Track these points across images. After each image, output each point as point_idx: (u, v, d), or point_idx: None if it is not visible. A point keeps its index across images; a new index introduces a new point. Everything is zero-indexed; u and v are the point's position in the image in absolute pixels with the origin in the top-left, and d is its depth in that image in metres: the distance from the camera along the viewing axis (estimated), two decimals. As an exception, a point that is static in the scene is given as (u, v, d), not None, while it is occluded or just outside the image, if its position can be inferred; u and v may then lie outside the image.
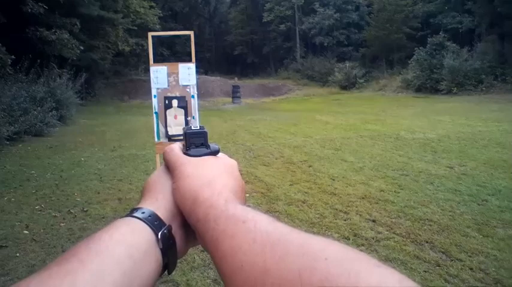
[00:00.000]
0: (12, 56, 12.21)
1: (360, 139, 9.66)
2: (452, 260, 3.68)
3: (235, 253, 0.41)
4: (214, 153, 0.59)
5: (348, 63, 29.79)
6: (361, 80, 28.20)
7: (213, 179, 0.52)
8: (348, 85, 28.01)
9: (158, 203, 0.52)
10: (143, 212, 0.50)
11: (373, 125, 11.67)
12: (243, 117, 15.32)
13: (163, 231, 0.48)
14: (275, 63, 40.09)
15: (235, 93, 22.81)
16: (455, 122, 11.89)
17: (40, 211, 5.31)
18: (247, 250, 0.40)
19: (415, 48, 25.19)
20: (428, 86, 23.10)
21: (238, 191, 0.53)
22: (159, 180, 0.56)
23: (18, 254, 4.04)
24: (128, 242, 0.45)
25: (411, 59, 25.10)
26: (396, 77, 26.56)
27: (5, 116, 9.59)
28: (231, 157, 0.60)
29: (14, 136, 9.92)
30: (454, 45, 23.35)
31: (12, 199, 5.79)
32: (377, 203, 5.24)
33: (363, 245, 4.05)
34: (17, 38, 14.35)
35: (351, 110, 16.15)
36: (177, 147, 0.59)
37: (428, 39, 24.65)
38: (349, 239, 4.20)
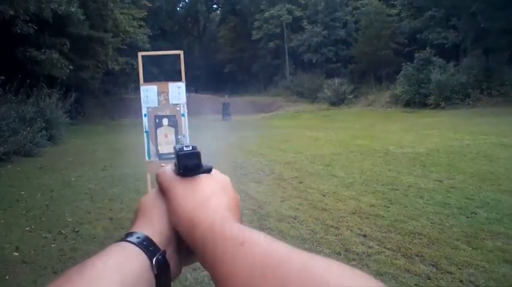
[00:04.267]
0: (2, 77, 12.18)
1: (349, 154, 9.74)
2: (442, 273, 3.72)
3: (236, 277, 0.40)
4: (207, 171, 0.57)
5: (336, 80, 30.08)
6: (350, 96, 28.46)
7: (207, 199, 0.52)
8: (337, 101, 28.24)
9: (153, 227, 0.52)
10: (138, 237, 0.49)
11: (363, 140, 11.77)
12: (233, 134, 15.37)
13: (157, 257, 0.48)
14: (265, 80, 40.37)
15: (225, 111, 22.90)
16: (444, 135, 12.04)
17: (30, 232, 5.27)
18: (247, 275, 0.39)
19: (403, 64, 25.55)
20: (417, 100, 23.38)
21: (234, 208, 0.53)
22: (154, 202, 0.56)
23: (7, 277, 4.01)
24: (121, 269, 0.44)
25: (399, 75, 25.43)
26: (385, 92, 26.87)
27: (-7, 137, 9.57)
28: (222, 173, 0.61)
29: (3, 157, 9.87)
30: (440, 60, 23.72)
31: (2, 221, 5.75)
32: (367, 218, 5.28)
33: (354, 260, 4.08)
34: (6, 58, 14.37)
35: (341, 125, 16.30)
36: (169, 169, 0.58)
37: (415, 54, 25.03)
38: (341, 254, 4.23)
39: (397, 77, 25.52)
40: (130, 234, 0.50)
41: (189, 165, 0.56)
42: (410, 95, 23.84)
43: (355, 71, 32.54)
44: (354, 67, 32.87)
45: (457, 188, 6.38)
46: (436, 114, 19.08)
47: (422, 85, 23.28)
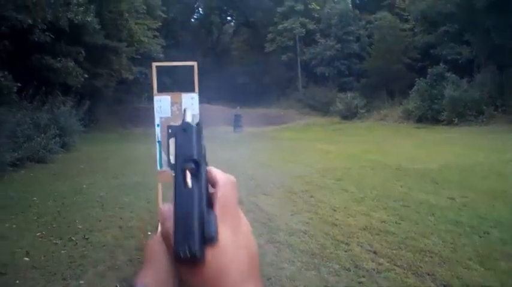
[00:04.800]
0: (18, 84, 12.37)
1: (361, 169, 9.69)
2: (454, 293, 3.67)
3: None
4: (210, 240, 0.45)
5: (349, 94, 30.06)
6: (362, 110, 28.38)
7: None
8: (349, 115, 28.18)
9: (157, 276, 0.51)
10: None
11: (374, 155, 11.71)
12: (244, 146, 15.39)
13: None
14: (277, 92, 40.43)
15: (237, 122, 22.98)
16: (456, 152, 11.93)
17: (41, 237, 5.31)
18: None
19: (416, 79, 25.45)
20: (429, 116, 23.23)
21: (253, 269, 0.48)
22: (158, 248, 0.53)
23: (17, 282, 4.03)
24: None
25: (412, 90, 25.31)
26: (397, 107, 26.74)
27: (8, 143, 9.66)
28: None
29: (17, 162, 9.98)
30: (454, 75, 23.57)
31: (14, 226, 5.80)
32: (378, 234, 5.23)
33: (363, 276, 4.04)
34: (22, 65, 14.59)
35: (352, 139, 16.25)
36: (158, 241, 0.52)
37: (429, 69, 24.92)
38: (350, 270, 4.19)
39: (410, 92, 25.40)
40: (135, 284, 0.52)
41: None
42: (422, 111, 23.70)
43: (367, 85, 32.47)
44: (366, 81, 32.81)
45: (470, 206, 6.30)
46: (448, 131, 18.95)
47: (435, 101, 23.15)
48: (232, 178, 0.51)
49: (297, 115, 29.97)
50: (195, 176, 0.47)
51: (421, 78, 25.05)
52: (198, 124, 0.52)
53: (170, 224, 0.46)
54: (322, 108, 30.88)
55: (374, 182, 8.22)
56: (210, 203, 0.48)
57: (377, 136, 17.46)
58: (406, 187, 7.70)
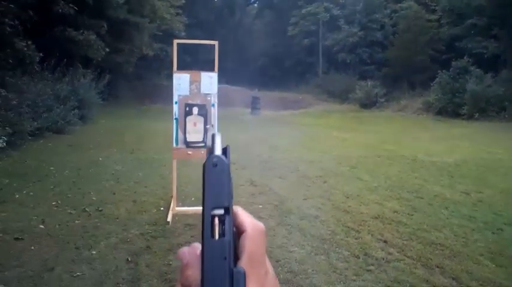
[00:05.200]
0: (40, 54, 12.49)
1: (376, 158, 9.62)
2: (462, 287, 3.65)
3: None
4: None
5: (369, 82, 29.66)
6: (382, 100, 28.02)
7: None
8: (368, 104, 27.86)
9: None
10: None
11: (391, 146, 11.61)
12: (261, 128, 15.38)
13: None
14: (296, 77, 40.14)
15: (254, 105, 22.88)
16: (475, 147, 11.75)
17: (56, 207, 5.42)
18: None
19: (438, 71, 24.98)
20: (450, 109, 22.85)
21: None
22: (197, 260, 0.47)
23: (33, 248, 4.13)
24: None
25: (434, 82, 24.87)
26: (417, 99, 26.33)
27: (29, 112, 9.80)
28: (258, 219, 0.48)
29: (37, 132, 10.13)
30: (478, 70, 23.07)
31: (31, 193, 5.92)
32: (390, 224, 5.21)
33: (372, 265, 4.04)
34: (45, 36, 14.68)
35: (370, 128, 16.10)
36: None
37: (452, 62, 24.42)
38: (359, 258, 4.19)
39: (432, 84, 24.96)
40: None
41: None
42: (443, 104, 23.30)
43: (388, 75, 31.97)
44: (387, 71, 32.31)
45: (485, 203, 6.22)
46: (468, 125, 18.63)
47: (456, 94, 22.72)
48: (261, 225, 0.47)
49: (315, 101, 29.76)
50: (224, 223, 0.43)
51: (443, 71, 24.57)
52: (225, 151, 0.47)
53: (192, 272, 0.44)
54: (341, 96, 30.57)
55: (389, 172, 8.16)
56: (236, 251, 0.44)
57: (395, 127, 17.27)
58: (421, 179, 7.63)
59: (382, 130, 15.65)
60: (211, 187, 0.44)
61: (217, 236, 0.42)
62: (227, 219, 0.43)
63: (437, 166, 8.90)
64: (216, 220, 0.43)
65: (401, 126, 17.40)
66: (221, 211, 0.43)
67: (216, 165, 0.45)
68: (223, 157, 0.46)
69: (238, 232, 0.45)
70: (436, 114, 23.18)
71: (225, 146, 0.48)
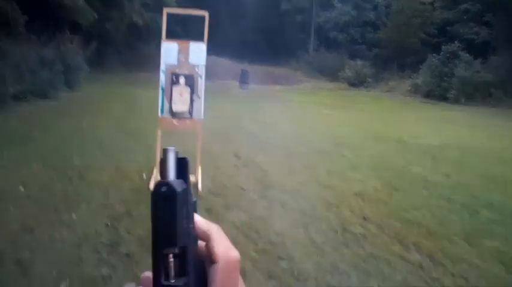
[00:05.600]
0: (25, 16, 12.17)
1: (361, 137, 9.68)
2: (435, 265, 3.73)
3: None
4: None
5: (359, 62, 29.64)
6: (371, 80, 28.07)
7: None
8: (357, 83, 27.89)
9: None
10: None
11: (377, 125, 11.68)
12: (248, 102, 15.33)
13: None
14: (287, 53, 39.81)
15: (243, 78, 22.68)
16: (459, 132, 11.88)
17: (37, 170, 5.38)
18: None
19: (428, 55, 25.03)
20: (437, 93, 22.99)
21: None
22: None
23: (12, 209, 4.11)
24: None
25: (423, 65, 24.95)
26: (406, 81, 26.42)
27: (12, 75, 9.62)
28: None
29: (20, 96, 9.96)
30: (467, 55, 23.17)
31: (12, 156, 5.86)
32: (370, 201, 5.28)
33: (350, 240, 4.10)
34: (31, -1, 14.30)
35: (357, 107, 16.14)
36: None
37: (443, 46, 24.47)
38: (338, 232, 4.25)
39: (420, 67, 25.05)
40: None
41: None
42: (431, 87, 23.44)
43: (379, 56, 31.95)
44: (378, 51, 32.27)
45: (464, 185, 6.32)
46: (454, 109, 18.78)
47: (445, 78, 22.85)
48: (235, 255, 0.42)
49: (305, 78, 29.67)
50: (181, 265, 0.38)
51: (433, 54, 24.63)
52: (182, 165, 0.41)
53: None
54: (331, 74, 30.48)
55: (373, 151, 8.23)
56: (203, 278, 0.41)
57: (382, 107, 17.35)
58: (404, 160, 7.71)
59: (369, 110, 15.72)
60: (161, 225, 0.38)
61: (172, 279, 0.38)
62: (185, 259, 0.39)
63: (421, 147, 8.99)
64: (171, 259, 0.38)
65: (389, 107, 17.50)
66: (175, 250, 0.38)
67: (165, 197, 0.38)
68: (175, 183, 0.39)
69: (210, 260, 0.41)
70: (424, 97, 23.33)
71: (181, 156, 0.42)
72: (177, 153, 0.42)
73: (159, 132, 5.37)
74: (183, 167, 0.41)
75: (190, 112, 5.25)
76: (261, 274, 3.32)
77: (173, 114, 5.27)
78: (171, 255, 0.38)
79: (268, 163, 6.78)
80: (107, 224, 3.97)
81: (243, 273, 3.14)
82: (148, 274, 0.40)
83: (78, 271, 3.13)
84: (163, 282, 0.37)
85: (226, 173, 6.01)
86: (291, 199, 5.12)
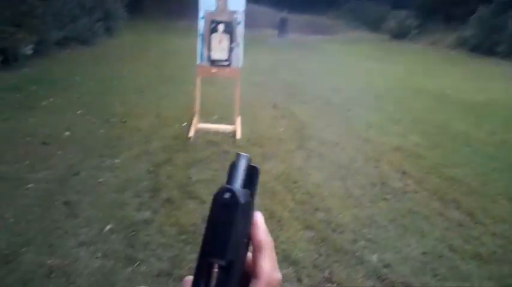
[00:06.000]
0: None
1: (403, 91, 9.40)
2: (476, 223, 3.67)
3: None
4: None
5: (403, 12, 28.38)
6: (415, 31, 26.91)
7: None
8: (399, 34, 26.81)
9: None
10: None
11: (419, 79, 11.28)
12: (287, 52, 15.06)
13: None
14: (328, 1, 38.55)
15: (282, 27, 22.20)
16: (508, 88, 11.35)
17: (81, 116, 5.52)
18: None
19: (479, 6, 23.66)
20: (485, 47, 21.83)
21: None
22: None
23: (59, 153, 4.27)
24: None
25: (472, 16, 23.65)
26: (452, 33, 25.18)
27: (54, 21, 9.71)
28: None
29: (62, 41, 10.10)
30: (522, 6, 21.76)
31: (57, 102, 6.03)
32: (410, 156, 5.19)
33: (388, 194, 4.07)
34: None
35: (399, 60, 15.60)
36: None
37: (495, -4, 23.05)
38: (376, 186, 4.22)
39: (469, 19, 23.76)
40: None
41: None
42: (479, 40, 22.25)
43: (424, 6, 30.35)
44: (423, 1, 30.74)
45: (510, 144, 6.10)
46: (503, 64, 17.87)
47: (495, 31, 21.65)
48: (278, 276, 0.40)
49: (346, 28, 28.78)
50: (224, 279, 0.37)
51: (484, 5, 23.25)
52: (252, 174, 0.39)
53: None
54: (373, 24, 29.39)
55: (414, 105, 8.00)
56: None
57: (426, 60, 16.70)
58: (446, 115, 7.48)
59: (411, 63, 15.17)
60: (215, 233, 0.37)
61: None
62: (229, 273, 0.37)
63: (465, 103, 8.67)
64: (215, 269, 0.37)
65: (432, 60, 16.83)
66: (222, 262, 0.36)
67: (226, 205, 0.36)
68: (240, 193, 0.37)
69: (253, 272, 0.39)
70: (471, 51, 22.24)
71: (253, 164, 0.39)
72: (249, 160, 0.42)
73: (198, 80, 5.37)
74: (252, 176, 0.40)
75: (229, 60, 5.20)
76: (298, 224, 3.36)
77: (212, 62, 5.24)
78: (216, 266, 0.37)
79: (306, 114, 6.72)
80: (148, 170, 4.07)
81: (281, 221, 3.19)
82: (191, 278, 0.39)
83: (122, 213, 3.26)
84: None
85: (264, 123, 6.01)
86: (329, 151, 5.09)
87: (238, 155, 0.41)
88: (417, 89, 9.66)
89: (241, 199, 0.37)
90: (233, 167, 0.40)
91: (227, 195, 0.37)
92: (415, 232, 3.43)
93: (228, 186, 0.38)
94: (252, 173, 0.40)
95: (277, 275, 0.40)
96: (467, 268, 3.01)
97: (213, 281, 0.37)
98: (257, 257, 0.40)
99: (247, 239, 0.40)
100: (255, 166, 0.41)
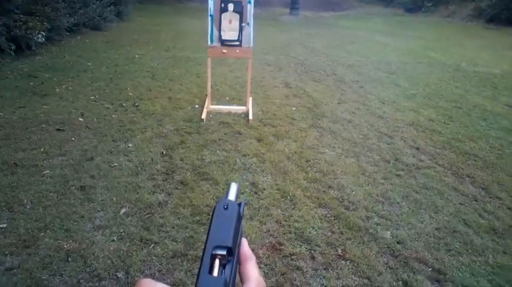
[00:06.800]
0: None
1: (417, 65, 9.26)
2: (491, 197, 3.65)
3: None
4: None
5: (417, -16, 27.73)
6: (429, 4, 26.31)
7: None
8: (413, 8, 26.26)
9: None
10: None
11: (434, 53, 11.09)
12: (299, 30, 14.88)
13: None
14: (340, -24, 37.86)
15: (294, 4, 21.90)
16: (525, 59, 11.08)
17: (94, 101, 5.56)
18: None
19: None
20: (503, 17, 21.25)
21: None
22: None
23: (73, 139, 4.32)
24: None
25: (489, -15, 22.99)
26: (468, 4, 24.54)
27: (65, 7, 9.72)
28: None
29: (74, 28, 10.12)
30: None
31: (70, 88, 6.07)
32: (424, 131, 5.15)
33: (402, 170, 4.06)
34: None
35: (413, 34, 15.30)
36: None
37: (513, -37, 22.32)
38: (390, 162, 4.21)
39: (486, -12, 23.11)
40: None
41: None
42: (496, 10, 21.63)
43: (439, -23, 29.73)
44: (439, -28, 29.99)
45: (527, 116, 6.00)
46: (521, 34, 17.43)
47: (513, 0, 21.05)
48: (264, 283, 0.45)
49: (358, 3, 28.26)
50: (225, 266, 0.42)
51: (502, -27, 22.57)
52: (239, 204, 0.48)
53: None
54: (386, -2, 28.88)
55: (429, 80, 7.89)
56: None
57: (440, 33, 16.34)
58: (461, 89, 7.36)
59: (426, 36, 14.88)
60: (218, 226, 0.44)
61: (215, 274, 0.41)
62: (230, 261, 0.43)
63: (481, 76, 8.51)
64: (217, 260, 0.42)
65: (447, 33, 16.48)
66: (223, 252, 0.42)
67: (226, 208, 0.46)
68: (236, 204, 0.47)
69: (241, 280, 0.45)
70: (487, 22, 21.69)
71: (240, 201, 0.49)
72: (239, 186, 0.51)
73: (209, 61, 5.36)
74: (240, 204, 0.48)
75: (240, 40, 5.17)
76: (311, 202, 3.38)
77: (222, 42, 5.21)
78: (218, 258, 0.42)
79: (319, 91, 6.68)
80: (162, 153, 4.11)
81: (294, 200, 3.21)
82: (146, 279, 0.41)
83: (137, 197, 3.31)
84: (208, 275, 0.41)
85: (276, 102, 5.98)
86: (342, 129, 5.07)
87: (230, 184, 0.50)
88: (431, 63, 9.50)
89: (237, 207, 0.46)
90: (228, 189, 0.50)
91: (227, 202, 0.46)
92: (428, 207, 3.43)
93: (226, 198, 0.48)
94: (240, 204, 0.48)
95: (263, 283, 0.45)
96: (481, 242, 3.01)
97: (216, 267, 0.42)
98: (246, 264, 0.45)
99: (239, 244, 0.46)
100: (242, 200, 0.50)
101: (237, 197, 0.49)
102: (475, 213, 3.38)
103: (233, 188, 0.50)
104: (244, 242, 0.48)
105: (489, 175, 4.08)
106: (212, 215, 0.45)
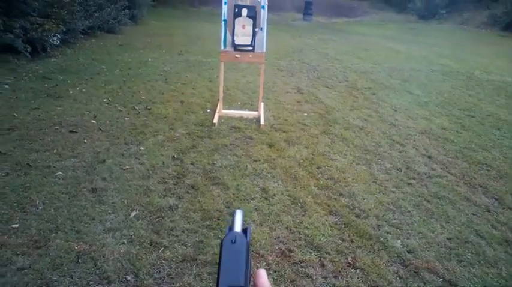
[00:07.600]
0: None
1: (430, 73, 9.20)
2: (504, 208, 3.60)
3: None
4: None
5: (431, -9, 27.59)
6: (443, 11, 26.16)
7: None
8: (427, 15, 26.12)
9: None
10: None
11: (447, 60, 11.02)
12: (312, 35, 14.88)
13: None
14: (353, -18, 37.82)
15: (307, 10, 21.92)
16: (540, 67, 10.96)
17: (107, 104, 5.61)
18: None
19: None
20: (518, 25, 21.11)
21: None
22: None
23: (86, 141, 4.36)
24: None
25: (504, -7, 22.79)
26: (482, 12, 24.38)
27: (80, 10, 9.83)
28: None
29: (88, 31, 10.23)
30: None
31: (83, 90, 6.13)
32: (436, 140, 5.11)
33: (414, 179, 4.03)
34: None
35: (426, 41, 15.22)
36: None
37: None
38: (401, 170, 4.18)
39: (501, -4, 22.92)
40: None
41: None
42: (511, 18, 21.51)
43: (454, -16, 29.55)
44: (453, -21, 29.82)
45: (542, 125, 5.92)
46: (536, 43, 17.26)
47: (529, 8, 20.83)
48: None
49: (371, 9, 28.18)
50: None
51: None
52: (246, 231, 0.48)
53: None
54: (399, 5, 28.67)
55: (442, 88, 7.83)
56: None
57: (454, 40, 16.23)
58: (475, 97, 7.30)
59: (439, 44, 14.79)
60: (228, 264, 0.44)
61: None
62: None
63: (494, 84, 8.44)
64: None
65: (461, 41, 16.36)
66: None
67: (234, 242, 0.45)
68: (243, 235, 0.47)
69: None
70: (503, 30, 21.51)
71: (246, 226, 0.48)
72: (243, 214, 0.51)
73: (221, 66, 5.38)
74: (246, 231, 0.48)
75: (253, 45, 5.18)
76: (321, 209, 3.36)
77: (235, 47, 5.23)
78: None
79: (331, 98, 6.67)
80: (174, 157, 4.13)
81: (304, 206, 3.19)
82: None
83: (147, 200, 3.32)
84: None
85: (288, 108, 5.98)
86: (354, 136, 5.05)
87: (234, 212, 0.50)
88: (445, 71, 9.44)
89: (245, 238, 0.46)
90: (233, 219, 0.49)
91: (234, 236, 0.46)
92: (440, 217, 3.39)
93: (233, 231, 0.47)
94: (245, 229, 0.48)
95: None
96: (494, 253, 2.97)
97: None
98: None
99: (250, 275, 0.46)
100: (248, 225, 0.51)
101: (243, 224, 0.49)
102: (488, 224, 3.34)
103: (238, 217, 0.50)
104: (263, 274, 0.47)
105: (502, 185, 4.03)
106: (221, 251, 0.45)
